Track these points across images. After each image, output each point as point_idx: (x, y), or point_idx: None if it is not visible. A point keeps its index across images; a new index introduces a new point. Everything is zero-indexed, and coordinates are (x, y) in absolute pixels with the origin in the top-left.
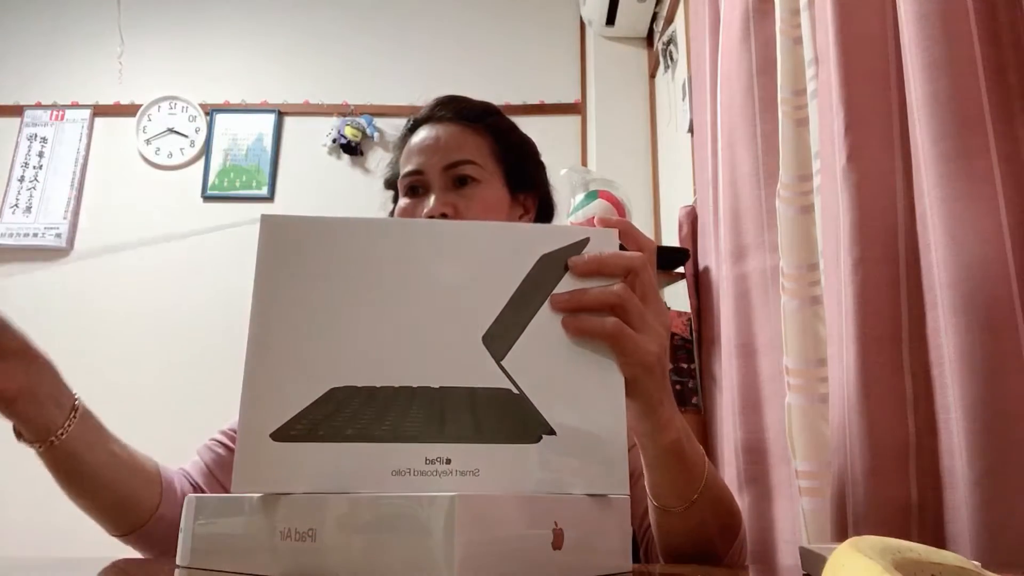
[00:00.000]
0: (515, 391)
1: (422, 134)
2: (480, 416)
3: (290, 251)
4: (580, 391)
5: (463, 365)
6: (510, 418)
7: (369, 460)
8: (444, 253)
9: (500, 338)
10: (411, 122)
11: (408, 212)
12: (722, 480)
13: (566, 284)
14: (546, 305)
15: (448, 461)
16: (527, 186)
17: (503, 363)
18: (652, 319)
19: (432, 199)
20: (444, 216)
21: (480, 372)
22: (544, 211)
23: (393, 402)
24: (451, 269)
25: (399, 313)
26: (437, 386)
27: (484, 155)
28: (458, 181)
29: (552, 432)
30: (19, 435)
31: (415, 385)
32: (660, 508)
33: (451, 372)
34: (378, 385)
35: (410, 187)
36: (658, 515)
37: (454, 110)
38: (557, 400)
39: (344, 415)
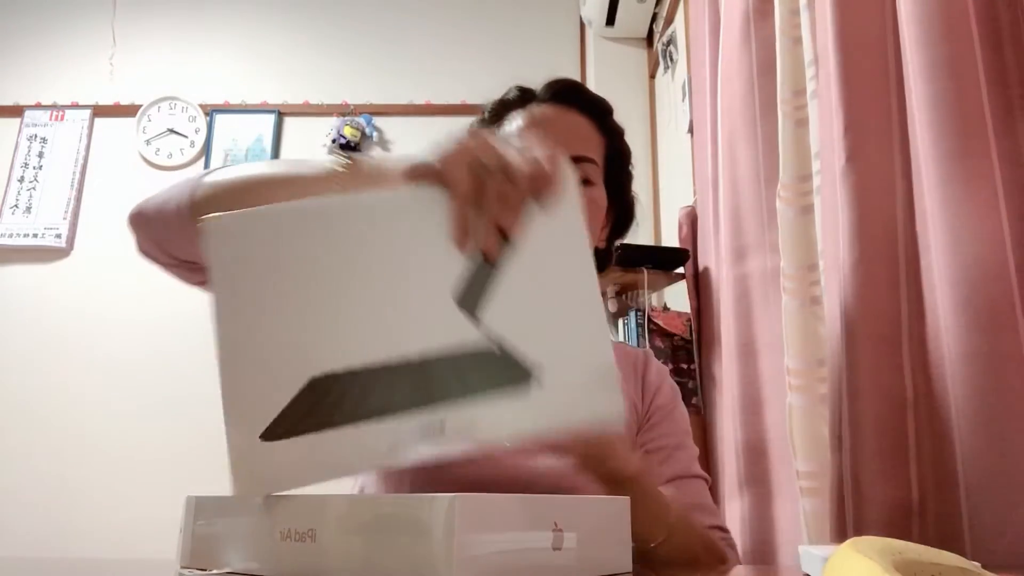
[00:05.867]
0: (495, 342)
1: (543, 112)
2: (465, 374)
3: (240, 251)
4: (563, 325)
5: (438, 329)
6: (496, 368)
7: (364, 440)
8: (395, 225)
9: (470, 294)
10: (519, 92)
11: None
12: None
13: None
14: (512, 250)
15: (442, 423)
16: (617, 196)
17: (478, 316)
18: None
19: None
20: None
21: (457, 331)
22: (623, 222)
23: (375, 379)
24: (406, 238)
25: (363, 291)
26: (417, 355)
27: (600, 156)
28: None
29: (541, 371)
30: None
31: (394, 358)
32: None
33: (427, 338)
34: (357, 365)
35: None
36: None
37: (581, 99)
38: (541, 339)
39: (329, 402)
